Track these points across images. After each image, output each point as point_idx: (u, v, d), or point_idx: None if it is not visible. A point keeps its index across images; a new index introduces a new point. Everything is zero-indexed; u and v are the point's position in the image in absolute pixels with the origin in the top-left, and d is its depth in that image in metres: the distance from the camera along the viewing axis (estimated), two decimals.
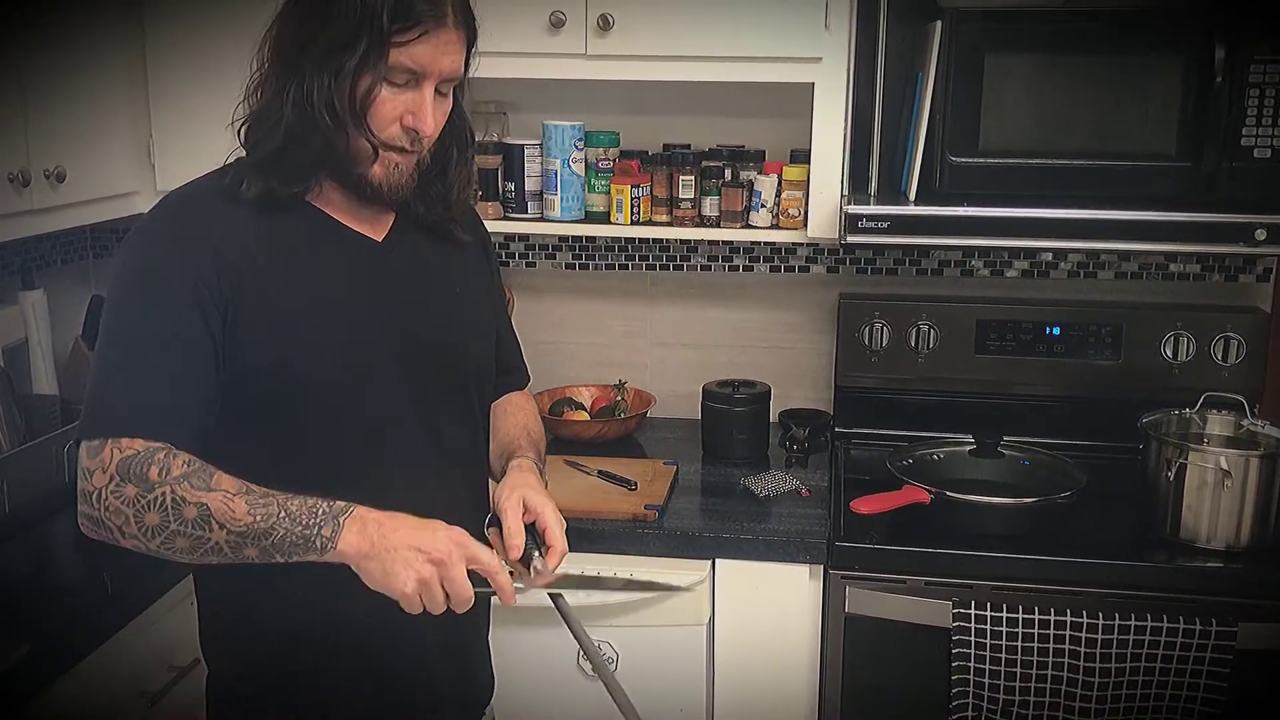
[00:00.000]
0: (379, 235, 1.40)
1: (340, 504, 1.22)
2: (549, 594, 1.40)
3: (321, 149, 1.28)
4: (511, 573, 1.33)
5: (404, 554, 1.19)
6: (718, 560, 2.00)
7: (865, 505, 1.97)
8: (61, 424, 2.04)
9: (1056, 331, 2.38)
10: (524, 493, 1.41)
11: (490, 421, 1.57)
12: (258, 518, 1.19)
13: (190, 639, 1.50)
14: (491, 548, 1.41)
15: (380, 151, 1.29)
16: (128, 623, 1.74)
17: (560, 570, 1.39)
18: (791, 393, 2.55)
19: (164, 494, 1.18)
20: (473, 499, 1.47)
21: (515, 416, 1.61)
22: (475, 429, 1.51)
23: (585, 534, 1.98)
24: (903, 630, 1.94)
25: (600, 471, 2.20)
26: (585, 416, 2.47)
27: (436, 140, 1.36)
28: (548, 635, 2.01)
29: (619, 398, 2.52)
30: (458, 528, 1.23)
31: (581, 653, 2.01)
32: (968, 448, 2.19)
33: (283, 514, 1.20)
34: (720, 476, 2.26)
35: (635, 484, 2.14)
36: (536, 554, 1.37)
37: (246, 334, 1.28)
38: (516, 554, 1.36)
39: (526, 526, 1.39)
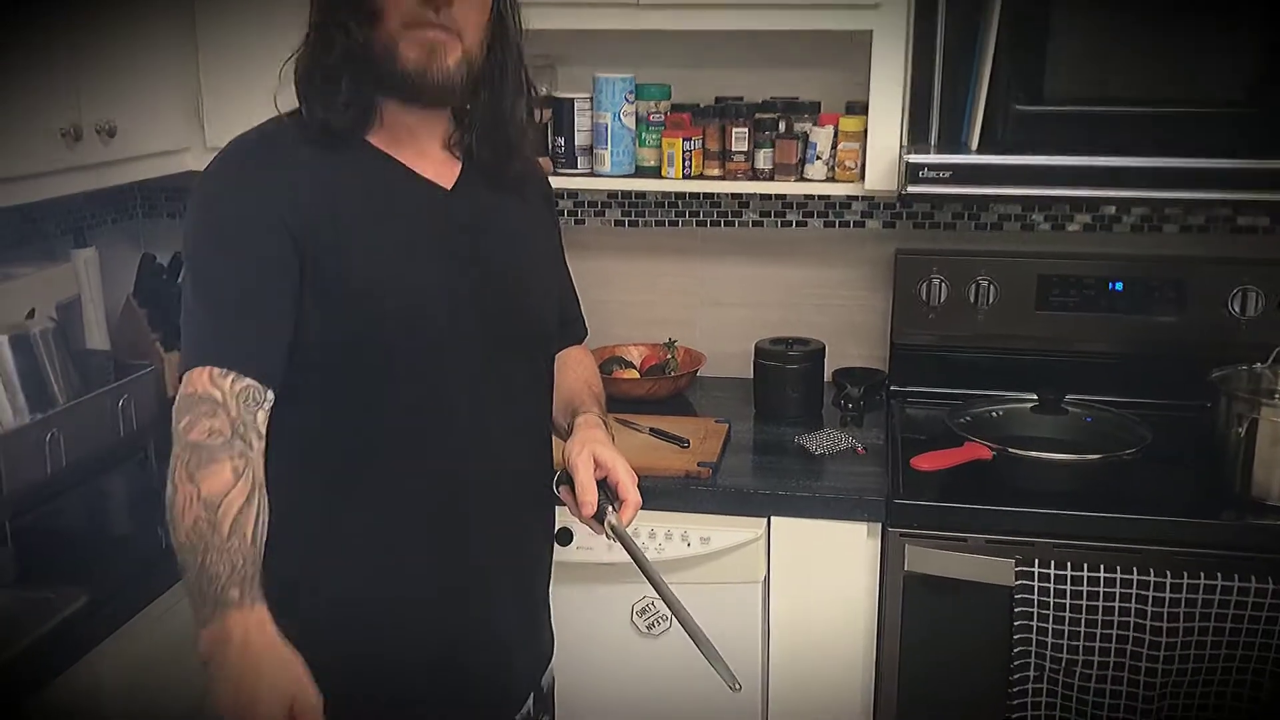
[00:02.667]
0: (448, 183, 1.37)
1: (233, 594, 1.11)
2: (619, 539, 1.36)
3: (347, 49, 1.25)
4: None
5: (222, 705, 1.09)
6: (773, 518, 1.96)
7: (926, 462, 1.93)
8: (115, 378, 2.04)
9: (1119, 287, 2.31)
10: (594, 448, 1.38)
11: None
12: (189, 541, 1.13)
13: None
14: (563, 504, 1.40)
15: (404, 28, 1.24)
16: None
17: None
18: (845, 351, 2.51)
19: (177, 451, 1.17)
20: (540, 457, 1.45)
21: (576, 371, 1.58)
22: (542, 385, 1.48)
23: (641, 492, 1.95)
24: (963, 589, 1.90)
25: (652, 429, 2.17)
26: (635, 375, 2.44)
27: (487, 66, 1.32)
28: (603, 592, 2.00)
29: (669, 356, 2.48)
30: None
31: (639, 606, 2.01)
32: (1030, 404, 2.14)
33: (202, 559, 1.11)
34: (773, 435, 2.23)
35: (688, 442, 2.11)
36: (610, 509, 1.35)
37: (320, 279, 1.26)
38: (590, 510, 1.35)
39: (598, 482, 1.37)
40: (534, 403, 1.46)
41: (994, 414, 2.17)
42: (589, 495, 1.34)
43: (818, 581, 1.97)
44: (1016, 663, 1.87)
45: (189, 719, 1.68)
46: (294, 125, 1.30)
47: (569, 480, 1.38)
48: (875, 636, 1.99)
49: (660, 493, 1.96)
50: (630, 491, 1.37)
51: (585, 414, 1.48)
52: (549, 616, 1.59)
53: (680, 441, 2.11)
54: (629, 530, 1.36)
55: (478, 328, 1.35)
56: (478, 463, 1.35)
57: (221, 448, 1.16)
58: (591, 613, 2.01)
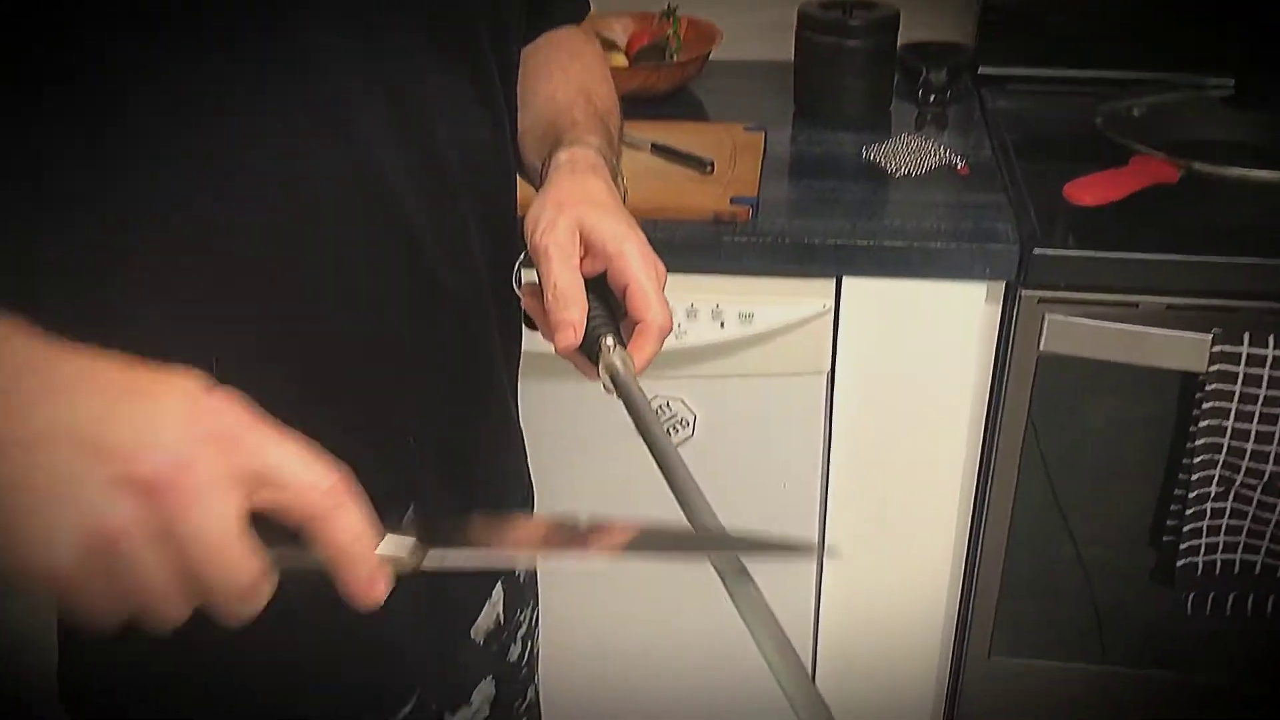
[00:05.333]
0: None
1: None
2: (624, 396, 0.71)
3: None
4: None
5: (66, 466, 0.44)
6: (845, 279, 1.32)
7: (1088, 190, 1.27)
8: None
9: None
10: (580, 214, 0.73)
11: (520, 85, 0.84)
12: None
13: None
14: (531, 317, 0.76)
15: None
16: None
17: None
18: (911, 18, 1.77)
19: None
20: (493, 240, 0.79)
21: (567, 71, 0.89)
22: (492, 107, 0.79)
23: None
24: (1124, 377, 1.30)
25: (656, 146, 1.47)
26: (622, 61, 1.72)
27: None
28: (593, 391, 1.37)
29: (668, 32, 1.75)
30: (220, 395, 0.48)
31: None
32: (1213, 93, 1.46)
33: None
34: (828, 147, 1.54)
35: (711, 163, 1.42)
36: (609, 339, 0.70)
37: None
38: (569, 338, 0.70)
39: (590, 283, 0.72)
40: (477, 135, 0.78)
41: (1134, 111, 1.49)
42: (568, 310, 0.70)
43: (908, 371, 1.35)
44: (1196, 475, 1.29)
45: None
46: None
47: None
48: (983, 444, 1.40)
49: (678, 247, 1.30)
50: (650, 304, 0.72)
51: (571, 146, 0.81)
52: (521, 469, 0.99)
53: (700, 164, 1.42)
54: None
55: (355, 12, 0.64)
56: (357, 250, 0.69)
57: None
58: (578, 422, 1.39)
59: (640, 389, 0.69)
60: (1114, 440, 1.37)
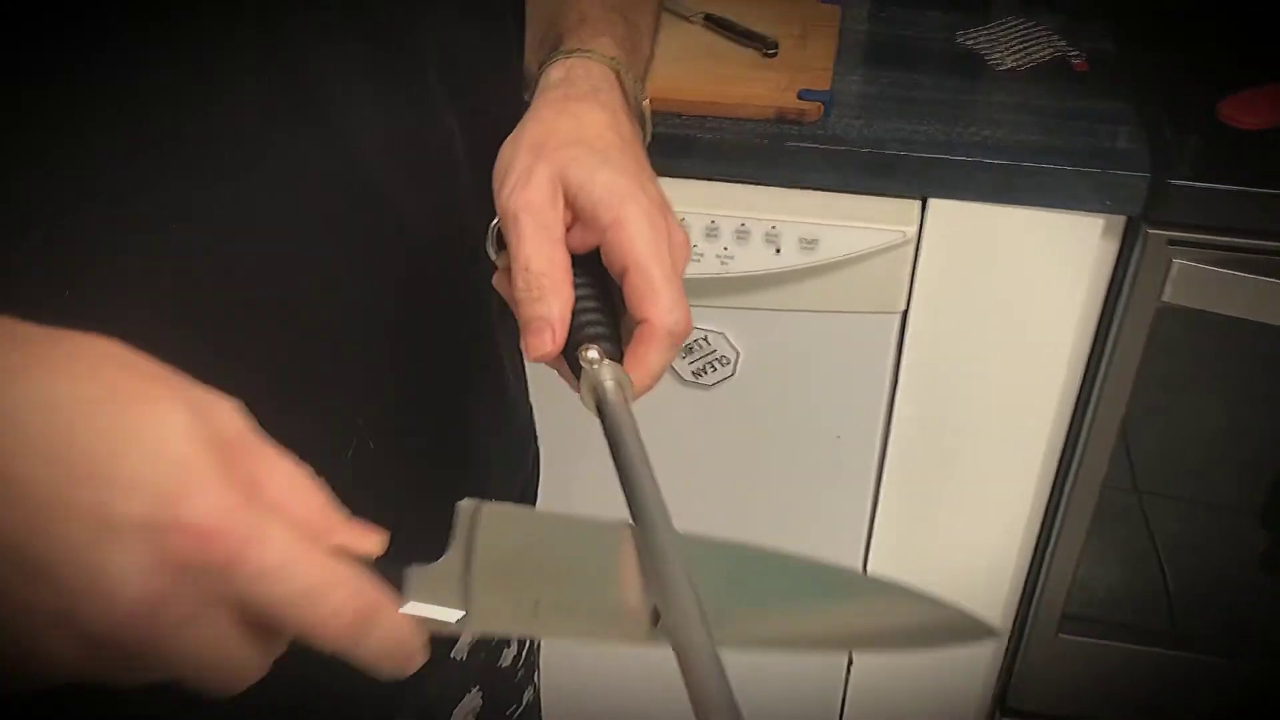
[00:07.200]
0: None
1: None
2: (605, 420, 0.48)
3: None
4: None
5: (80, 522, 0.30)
6: (929, 202, 1.08)
7: (1250, 109, 1.02)
8: None
9: None
10: (565, 162, 0.49)
11: None
12: None
13: None
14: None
15: None
16: None
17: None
18: None
19: None
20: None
21: None
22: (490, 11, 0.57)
23: (691, 145, 1.05)
24: (1259, 337, 1.08)
25: (709, 18, 1.22)
26: None
27: None
28: None
29: None
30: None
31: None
32: None
33: None
34: (915, 29, 1.28)
35: (775, 45, 1.17)
36: (592, 351, 0.48)
37: None
38: (543, 345, 0.48)
39: (582, 259, 0.50)
40: (471, 56, 0.56)
41: None
42: (543, 303, 0.47)
43: (998, 312, 1.13)
44: None
45: None
46: None
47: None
48: (1076, 404, 1.17)
49: (730, 151, 1.06)
50: (657, 297, 0.48)
51: (569, 57, 0.57)
52: (525, 442, 0.79)
53: (763, 44, 1.17)
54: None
55: None
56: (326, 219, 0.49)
57: None
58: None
59: (633, 423, 0.46)
60: (1227, 409, 1.16)
